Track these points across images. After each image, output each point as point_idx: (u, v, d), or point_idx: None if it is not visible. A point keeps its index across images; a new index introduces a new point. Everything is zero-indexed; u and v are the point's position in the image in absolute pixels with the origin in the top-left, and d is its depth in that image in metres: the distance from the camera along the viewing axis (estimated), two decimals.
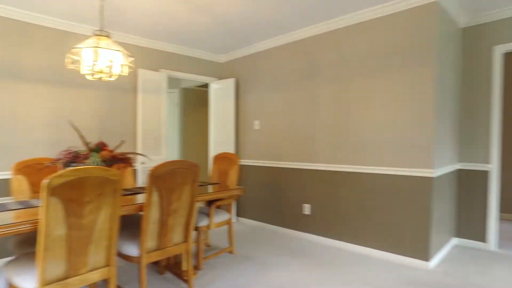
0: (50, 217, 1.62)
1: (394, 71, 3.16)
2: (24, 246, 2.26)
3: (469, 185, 3.59)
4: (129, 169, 3.28)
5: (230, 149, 4.72)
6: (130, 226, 2.62)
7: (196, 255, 3.03)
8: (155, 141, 4.23)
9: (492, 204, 3.47)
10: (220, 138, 4.88)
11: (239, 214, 4.78)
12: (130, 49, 4.04)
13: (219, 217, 3.21)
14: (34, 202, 2.24)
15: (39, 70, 3.38)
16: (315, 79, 3.79)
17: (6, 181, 3.18)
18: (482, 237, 3.55)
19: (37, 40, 3.36)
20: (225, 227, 4.42)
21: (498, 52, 3.41)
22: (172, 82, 5.83)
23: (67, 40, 3.57)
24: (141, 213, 2.71)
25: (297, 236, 4.00)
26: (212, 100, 4.98)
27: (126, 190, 2.80)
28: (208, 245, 3.67)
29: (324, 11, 3.34)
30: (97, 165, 2.29)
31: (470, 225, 3.62)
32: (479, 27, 3.52)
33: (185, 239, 2.50)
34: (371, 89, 3.32)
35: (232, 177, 3.46)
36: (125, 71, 2.62)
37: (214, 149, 4.95)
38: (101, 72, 2.42)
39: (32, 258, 1.89)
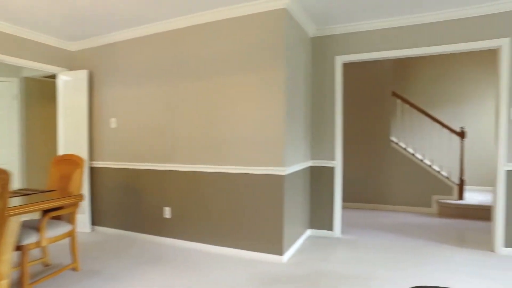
0: None
1: (252, 71, 3.22)
2: None
3: (320, 180, 3.96)
4: None
5: (83, 149, 4.13)
6: None
7: (19, 282, 2.46)
8: None
9: (337, 196, 3.90)
10: (71, 137, 4.23)
11: (95, 222, 4.22)
12: None
13: (57, 230, 2.71)
14: None
15: None
16: (179, 75, 3.60)
17: None
18: (330, 226, 3.96)
19: None
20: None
21: (339, 61, 3.86)
22: (8, 69, 4.80)
23: None
24: None
25: (158, 242, 3.74)
26: (61, 93, 4.27)
27: None
28: (47, 264, 3.08)
29: (190, 2, 3.19)
30: None
31: (321, 216, 3.99)
32: (324, 38, 3.92)
33: None
34: (233, 88, 3.32)
35: (76, 183, 2.98)
36: None
37: (64, 150, 4.26)
38: None
39: None
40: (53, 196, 2.64)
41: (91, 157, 4.22)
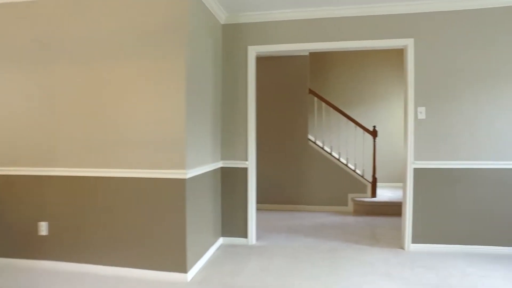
0: None
1: (148, 57, 2.70)
2: None
3: (232, 183, 3.59)
4: None
5: None
6: None
7: None
8: None
9: (251, 199, 3.57)
10: None
11: None
12: None
13: None
14: None
15: None
16: (55, 57, 2.89)
17: None
18: (244, 232, 3.61)
19: None
20: None
21: (252, 52, 3.54)
22: None
23: None
24: None
25: (29, 267, 2.97)
26: None
27: None
28: None
29: None
30: None
31: (234, 222, 3.63)
32: (237, 26, 3.57)
33: None
34: (124, 77, 2.75)
35: None
36: None
37: None
38: None
39: None
40: None
41: None
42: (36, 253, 2.99)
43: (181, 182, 2.64)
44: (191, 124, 2.73)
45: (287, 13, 3.43)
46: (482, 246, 3.27)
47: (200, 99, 2.94)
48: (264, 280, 2.67)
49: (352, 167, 5.27)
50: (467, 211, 3.29)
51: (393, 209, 4.85)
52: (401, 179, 6.47)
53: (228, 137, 3.58)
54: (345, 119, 5.31)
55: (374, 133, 5.12)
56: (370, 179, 5.16)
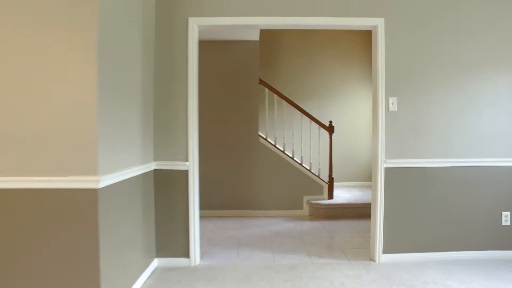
0: None
1: (46, 26, 1.83)
2: None
3: (168, 189, 2.83)
4: None
5: None
6: None
7: None
8: None
9: (193, 208, 2.85)
10: None
11: None
12: None
13: None
14: None
15: None
16: None
17: None
18: (185, 251, 2.88)
19: None
20: None
21: (193, 26, 2.82)
22: None
23: None
24: None
25: None
26: None
27: None
28: None
29: None
30: None
31: (172, 239, 2.87)
32: None
33: None
34: (13, 48, 1.85)
35: None
36: None
37: None
38: None
39: None
40: None
41: None
42: None
43: (91, 193, 1.83)
44: (106, 114, 1.93)
45: None
46: (459, 252, 2.94)
47: (120, 84, 2.15)
48: None
49: (307, 167, 4.78)
50: (442, 215, 2.93)
51: (351, 212, 4.46)
52: (357, 178, 6.33)
53: (163, 132, 2.81)
54: (299, 113, 4.81)
55: (330, 129, 4.69)
56: (327, 179, 4.72)
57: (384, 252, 2.90)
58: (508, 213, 2.98)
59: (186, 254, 2.88)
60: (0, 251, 1.86)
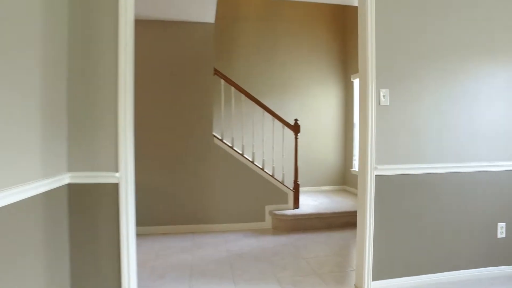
0: None
1: None
2: None
3: (90, 210, 2.00)
4: None
5: None
6: None
7: None
8: None
9: (127, 238, 2.05)
10: None
11: None
12: None
13: None
14: None
15: None
16: None
17: None
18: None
19: None
20: None
21: None
22: None
23: None
24: None
25: None
26: None
27: None
28: None
29: None
30: None
31: (97, 279, 2.04)
32: None
33: None
34: None
35: None
36: None
37: None
38: None
39: None
40: None
41: None
42: None
43: None
44: None
45: None
46: (453, 272, 2.50)
47: (12, 66, 1.32)
48: None
49: (270, 172, 4.16)
50: (436, 229, 2.47)
51: (320, 222, 3.92)
52: (322, 182, 5.81)
53: (82, 133, 1.97)
54: (260, 110, 4.18)
55: (296, 128, 4.11)
56: (292, 186, 4.14)
57: (374, 279, 2.35)
58: (503, 224, 2.61)
59: None
60: None
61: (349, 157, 5.46)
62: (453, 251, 2.50)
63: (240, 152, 4.02)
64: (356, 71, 5.18)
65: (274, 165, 4.18)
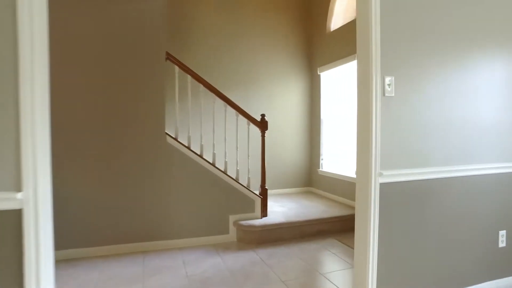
0: None
1: None
2: None
3: None
4: None
5: None
6: None
7: None
8: None
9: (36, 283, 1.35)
10: None
11: None
12: None
13: None
14: None
15: None
16: None
17: None
18: None
19: None
20: None
21: None
22: None
23: None
24: None
25: None
26: None
27: None
28: None
29: None
30: None
31: None
32: None
33: None
34: None
35: None
36: None
37: None
38: None
39: None
40: None
41: None
42: None
43: None
44: None
45: None
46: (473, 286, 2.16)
47: None
48: None
49: (233, 176, 3.59)
50: (439, 242, 2.10)
51: (291, 232, 3.45)
52: (286, 184, 5.28)
53: None
54: (222, 103, 3.59)
55: (263, 125, 3.58)
56: (258, 191, 3.61)
57: None
58: (504, 232, 2.33)
59: None
60: None
61: (315, 156, 5.07)
62: (456, 266, 2.16)
63: (199, 154, 3.39)
64: (323, 63, 4.78)
65: (238, 168, 3.60)
